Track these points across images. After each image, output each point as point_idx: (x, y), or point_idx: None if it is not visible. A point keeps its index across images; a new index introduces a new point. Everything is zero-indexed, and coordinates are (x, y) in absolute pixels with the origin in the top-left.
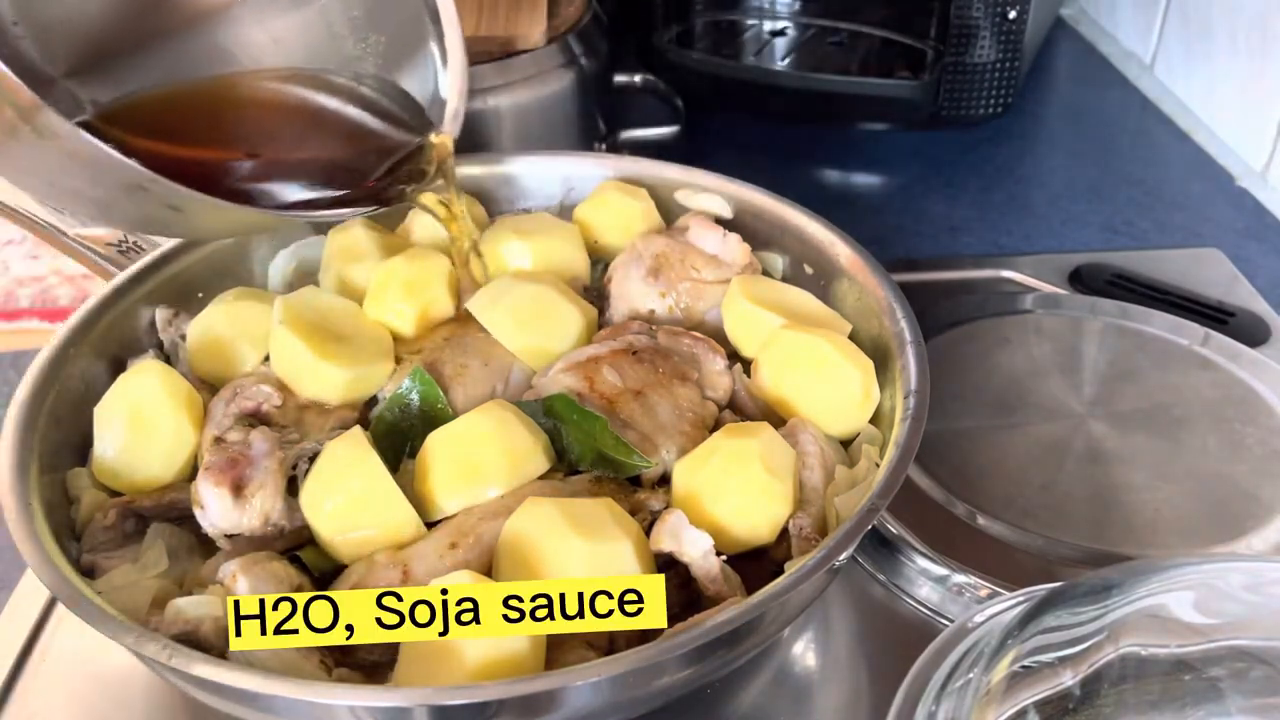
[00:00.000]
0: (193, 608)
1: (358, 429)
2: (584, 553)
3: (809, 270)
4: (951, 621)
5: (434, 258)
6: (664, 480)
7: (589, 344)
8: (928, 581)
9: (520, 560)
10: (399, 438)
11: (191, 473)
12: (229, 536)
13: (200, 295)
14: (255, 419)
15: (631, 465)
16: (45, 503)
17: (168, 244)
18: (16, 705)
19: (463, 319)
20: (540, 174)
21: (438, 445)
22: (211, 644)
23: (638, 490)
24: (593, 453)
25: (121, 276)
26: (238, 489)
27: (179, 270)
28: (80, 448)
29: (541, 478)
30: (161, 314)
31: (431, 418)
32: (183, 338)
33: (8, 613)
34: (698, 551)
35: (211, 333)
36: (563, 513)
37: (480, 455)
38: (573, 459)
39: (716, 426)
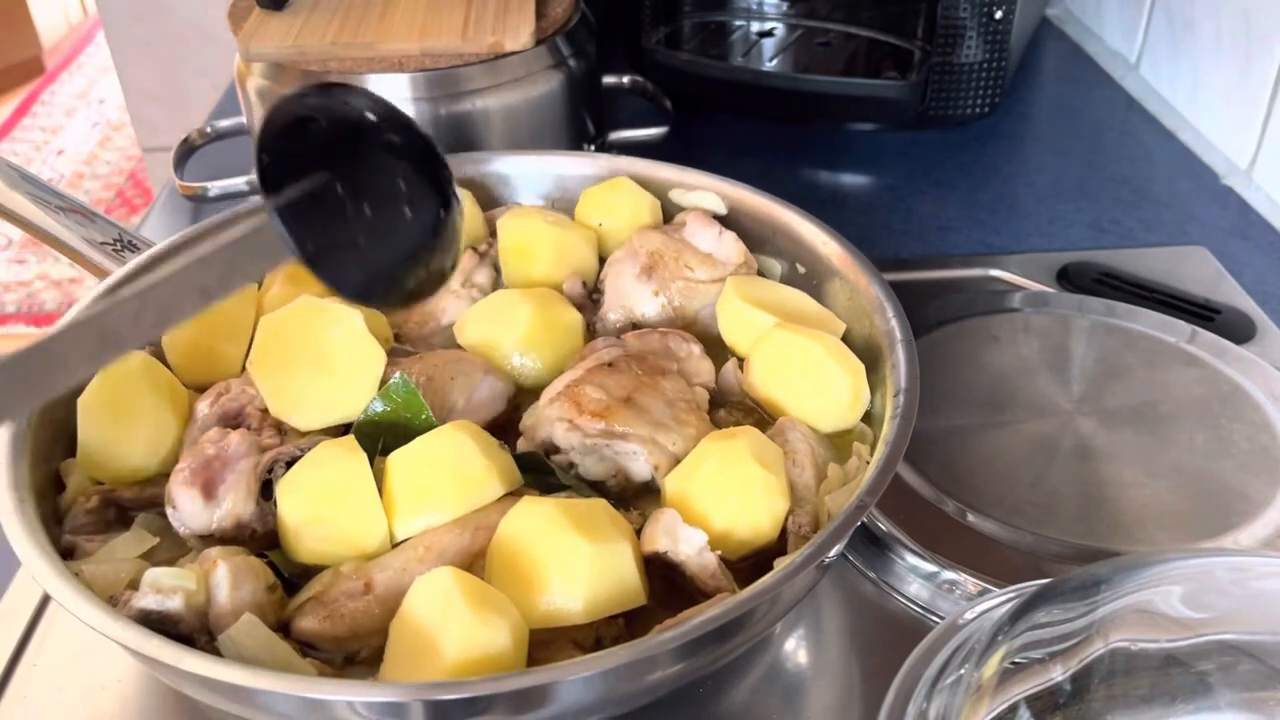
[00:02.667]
0: (168, 579)
1: (351, 436)
2: (587, 554)
3: (801, 270)
4: (942, 618)
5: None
6: (647, 491)
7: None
8: (918, 579)
9: (515, 561)
10: (376, 443)
11: (173, 466)
12: (201, 537)
13: None
14: (238, 421)
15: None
16: (36, 493)
17: (162, 243)
18: (7, 707)
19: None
20: (532, 173)
21: (394, 468)
22: (181, 617)
23: (628, 510)
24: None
25: (117, 274)
26: (208, 490)
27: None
28: (73, 443)
29: (513, 493)
30: None
31: (414, 427)
32: None
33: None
34: (692, 549)
35: (187, 340)
36: (563, 512)
37: (432, 479)
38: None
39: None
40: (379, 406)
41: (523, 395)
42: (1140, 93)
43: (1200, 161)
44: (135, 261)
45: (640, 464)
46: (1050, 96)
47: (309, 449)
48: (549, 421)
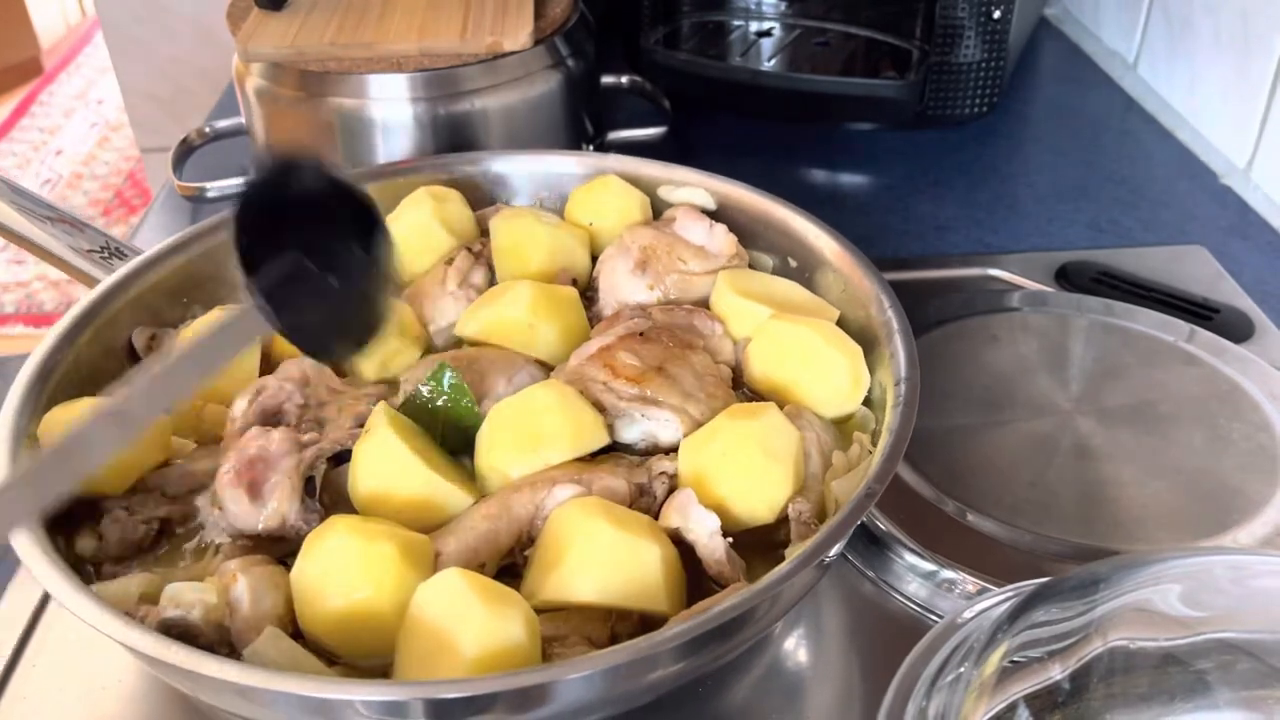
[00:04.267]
0: (188, 593)
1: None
2: (609, 537)
3: (793, 263)
4: (941, 617)
5: None
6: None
7: (590, 339)
8: (917, 578)
9: (544, 542)
10: (425, 425)
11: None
12: (241, 538)
13: (185, 300)
14: (276, 418)
15: None
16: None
17: (150, 251)
18: (7, 707)
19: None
20: (520, 172)
21: (500, 415)
22: (201, 631)
23: (649, 459)
24: None
25: (106, 283)
26: (254, 490)
27: (163, 276)
28: None
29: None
30: (139, 337)
31: (459, 415)
32: None
33: None
34: (704, 531)
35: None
36: (604, 509)
37: (544, 424)
38: None
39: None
40: (425, 391)
41: None
42: (1138, 92)
43: (1198, 161)
44: (123, 270)
45: (672, 431)
46: (1048, 96)
47: (349, 444)
48: (583, 381)
